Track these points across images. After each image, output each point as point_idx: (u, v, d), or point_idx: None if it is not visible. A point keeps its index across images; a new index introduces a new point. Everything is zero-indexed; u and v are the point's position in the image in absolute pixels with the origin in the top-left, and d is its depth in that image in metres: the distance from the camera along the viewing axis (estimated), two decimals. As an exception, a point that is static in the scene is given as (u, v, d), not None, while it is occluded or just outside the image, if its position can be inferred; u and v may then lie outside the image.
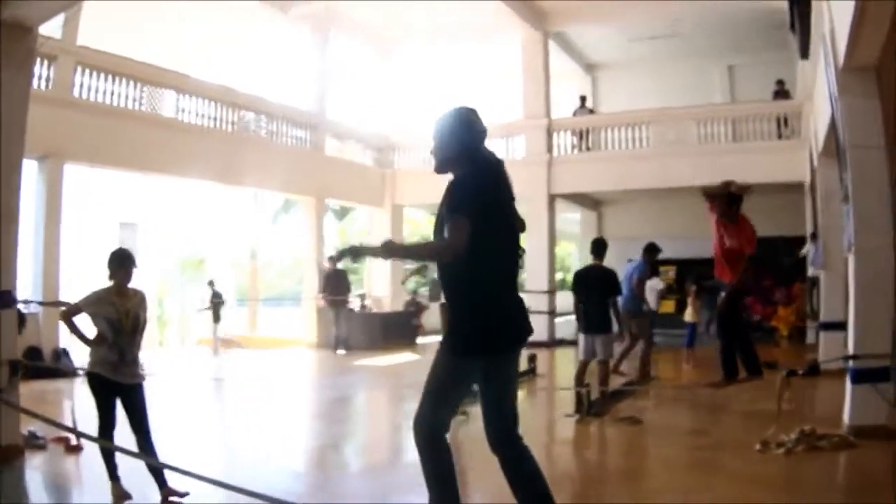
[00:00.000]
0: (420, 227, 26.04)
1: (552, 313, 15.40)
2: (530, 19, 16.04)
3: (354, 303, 15.15)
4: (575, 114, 16.83)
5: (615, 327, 7.65)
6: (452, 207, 2.91)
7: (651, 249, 9.44)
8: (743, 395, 7.79)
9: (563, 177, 16.01)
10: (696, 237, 16.63)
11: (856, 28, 5.47)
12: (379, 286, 17.81)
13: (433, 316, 18.06)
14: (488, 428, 3.10)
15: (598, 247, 7.75)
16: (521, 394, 6.76)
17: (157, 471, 4.32)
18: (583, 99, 17.28)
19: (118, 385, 4.41)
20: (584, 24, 16.81)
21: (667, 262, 16.99)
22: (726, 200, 7.18)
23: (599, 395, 7.53)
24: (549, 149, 16.25)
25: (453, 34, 17.11)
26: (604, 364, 7.52)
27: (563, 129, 16.49)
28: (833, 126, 6.63)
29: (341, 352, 13.65)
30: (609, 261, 7.78)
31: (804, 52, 8.77)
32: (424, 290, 14.98)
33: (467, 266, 2.89)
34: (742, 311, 7.48)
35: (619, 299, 7.69)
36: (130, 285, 4.50)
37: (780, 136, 14.47)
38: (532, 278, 15.61)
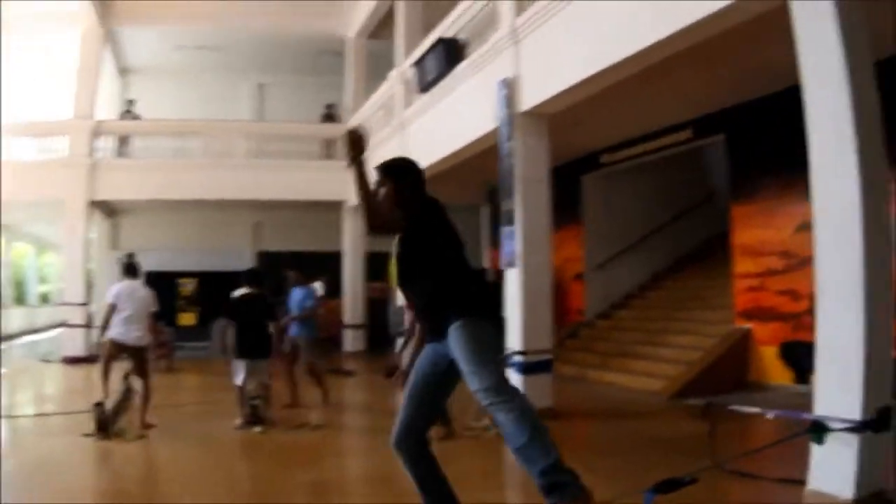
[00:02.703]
0: None
1: (88, 326, 13.46)
2: (100, 12, 14.17)
3: None
4: (122, 117, 15.61)
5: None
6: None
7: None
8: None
9: (105, 182, 14.40)
10: (216, 249, 16.96)
11: (569, 91, 6.76)
12: None
13: None
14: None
15: (255, 276, 7.64)
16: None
17: None
18: (130, 102, 15.93)
19: None
20: (146, 25, 15.22)
21: (187, 274, 16.69)
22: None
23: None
24: (92, 152, 14.44)
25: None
26: (266, 387, 7.36)
27: (108, 133, 14.84)
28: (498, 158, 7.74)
29: None
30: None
31: (426, 88, 9.91)
32: None
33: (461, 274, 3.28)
34: None
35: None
36: None
37: (327, 157, 15.56)
38: (69, 289, 14.14)
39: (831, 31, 4.04)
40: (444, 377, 3.20)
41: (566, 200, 12.70)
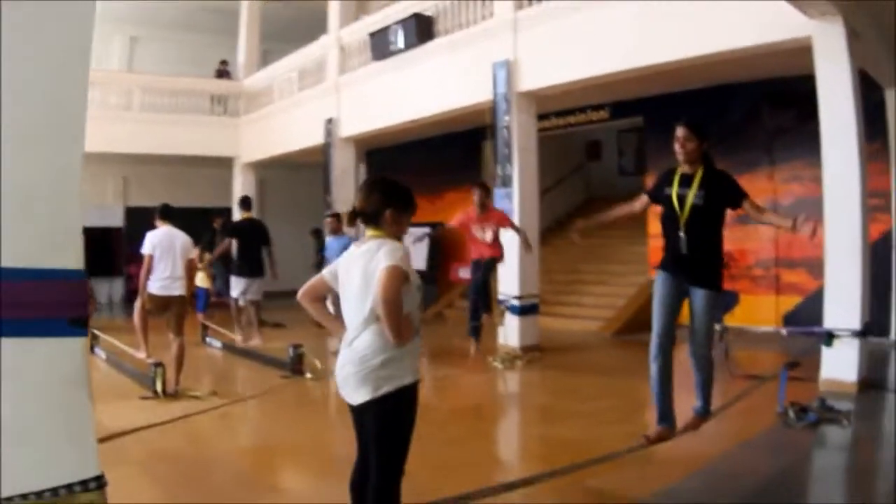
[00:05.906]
0: None
1: None
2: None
3: None
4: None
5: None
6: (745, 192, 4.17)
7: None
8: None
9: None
10: (86, 204, 15.95)
11: (566, 83, 8.17)
12: None
13: None
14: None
15: (248, 202, 9.92)
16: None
17: None
18: None
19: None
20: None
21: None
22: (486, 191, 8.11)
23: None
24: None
25: None
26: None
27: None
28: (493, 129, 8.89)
29: None
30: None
31: (383, 57, 10.58)
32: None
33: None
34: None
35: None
36: None
37: (224, 113, 15.35)
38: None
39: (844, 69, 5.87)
40: (680, 300, 4.29)
41: (468, 163, 13.32)
